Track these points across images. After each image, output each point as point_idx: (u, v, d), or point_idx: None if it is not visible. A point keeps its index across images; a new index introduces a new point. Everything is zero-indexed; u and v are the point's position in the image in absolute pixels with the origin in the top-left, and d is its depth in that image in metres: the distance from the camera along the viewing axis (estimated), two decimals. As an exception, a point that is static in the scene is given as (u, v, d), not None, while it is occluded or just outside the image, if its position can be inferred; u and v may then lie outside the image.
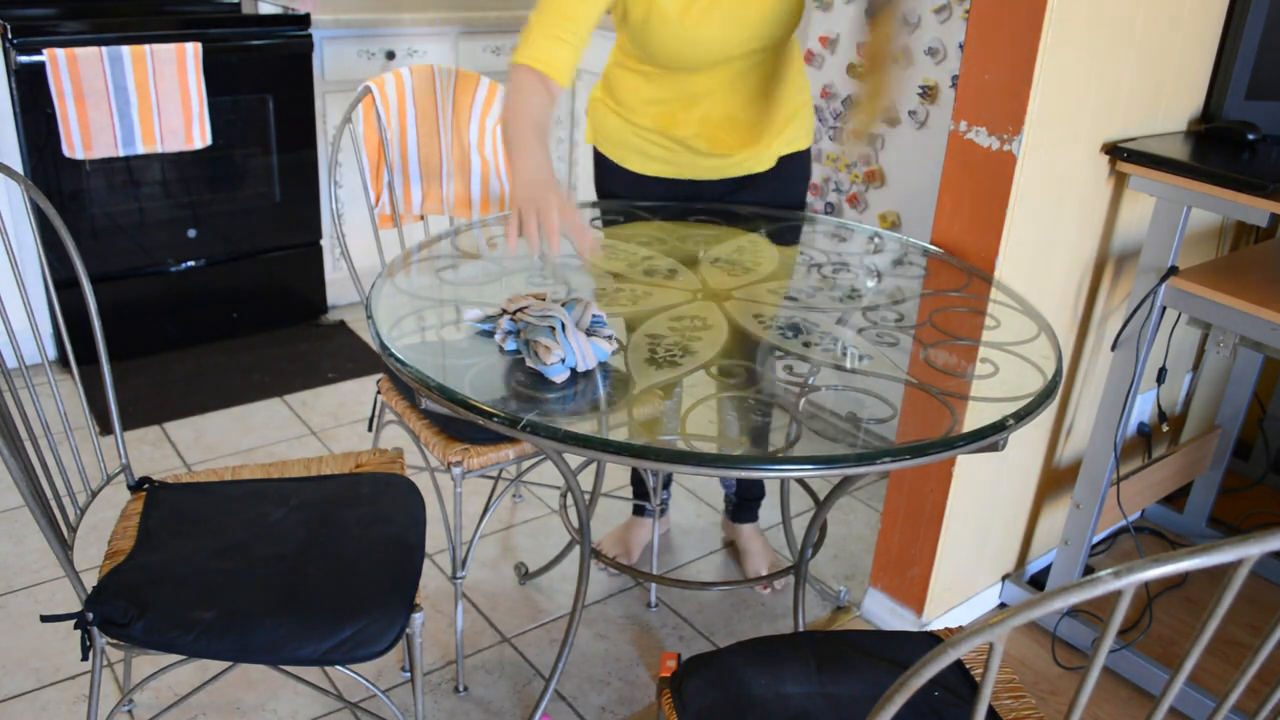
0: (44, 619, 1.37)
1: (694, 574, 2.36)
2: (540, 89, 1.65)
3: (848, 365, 1.47)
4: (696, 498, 2.63)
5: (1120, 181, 2.01)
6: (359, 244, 3.43)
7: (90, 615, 1.35)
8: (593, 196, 2.15)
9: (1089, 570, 2.28)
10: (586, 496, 2.27)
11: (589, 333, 1.40)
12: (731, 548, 2.45)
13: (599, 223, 1.97)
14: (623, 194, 2.06)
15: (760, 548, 2.36)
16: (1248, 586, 2.39)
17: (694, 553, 2.42)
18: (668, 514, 2.48)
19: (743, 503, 2.36)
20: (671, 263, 1.80)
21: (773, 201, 2.04)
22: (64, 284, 2.73)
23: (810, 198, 2.97)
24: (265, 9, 3.20)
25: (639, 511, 2.38)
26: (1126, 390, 1.98)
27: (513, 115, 1.61)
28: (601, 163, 2.06)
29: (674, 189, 2.03)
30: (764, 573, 2.31)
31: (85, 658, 1.36)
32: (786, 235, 1.98)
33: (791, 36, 1.90)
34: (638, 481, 2.36)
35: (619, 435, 1.26)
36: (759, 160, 1.99)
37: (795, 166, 2.04)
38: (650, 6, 1.77)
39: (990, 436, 1.30)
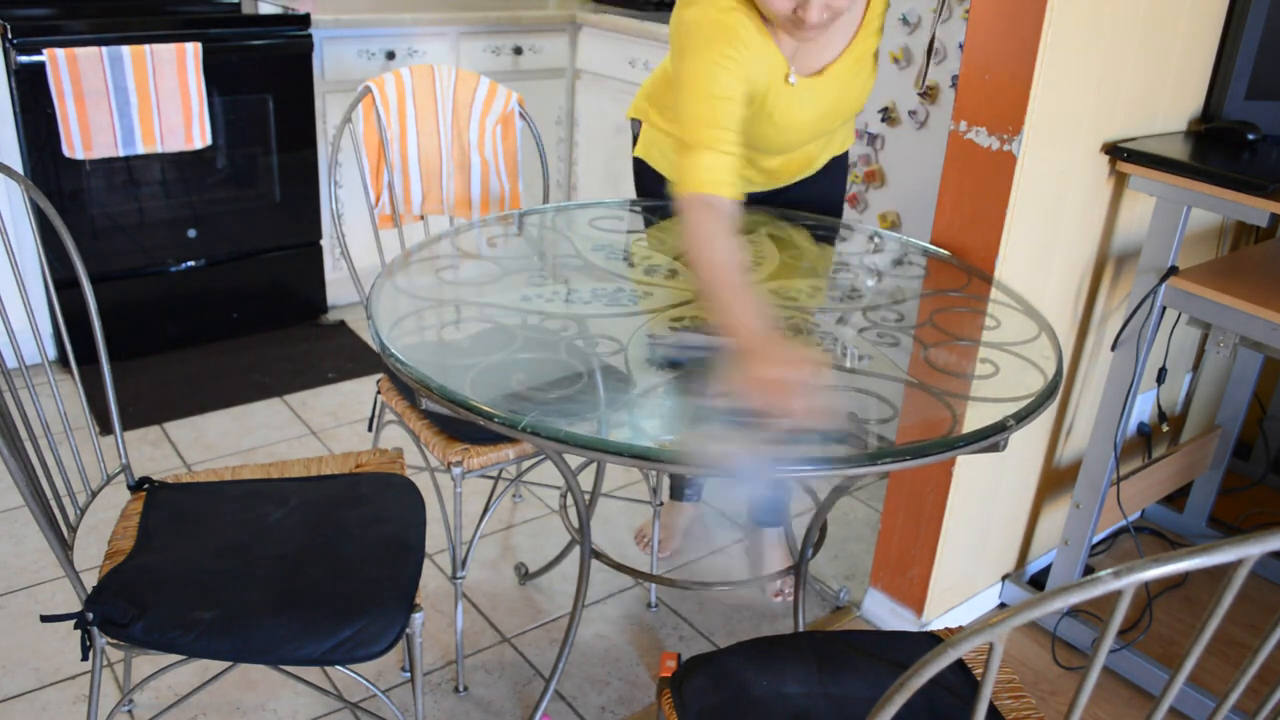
0: (44, 619, 1.37)
1: (694, 574, 2.36)
2: (723, 223, 1.50)
3: (848, 365, 1.47)
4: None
5: (1120, 181, 2.01)
6: (359, 244, 3.43)
7: (90, 615, 1.35)
8: (600, 194, 2.15)
9: (1089, 570, 2.28)
10: (586, 496, 2.27)
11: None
12: (750, 550, 2.45)
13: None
14: (669, 202, 2.03)
15: (780, 556, 2.35)
16: (1248, 586, 2.39)
17: (694, 553, 2.42)
18: (701, 501, 2.50)
19: (764, 506, 2.36)
20: (672, 263, 1.80)
21: (812, 202, 2.04)
22: (64, 284, 2.73)
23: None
24: (265, 9, 3.20)
25: (676, 496, 2.41)
26: (1126, 390, 1.98)
27: (716, 269, 1.43)
28: (651, 173, 2.01)
29: None
30: (777, 582, 2.27)
31: (85, 658, 1.36)
32: (787, 235, 1.98)
33: None
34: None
35: (619, 435, 1.26)
36: (807, 173, 2.00)
37: (835, 169, 2.04)
38: (761, 107, 1.70)
39: (991, 437, 1.30)
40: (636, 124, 2.05)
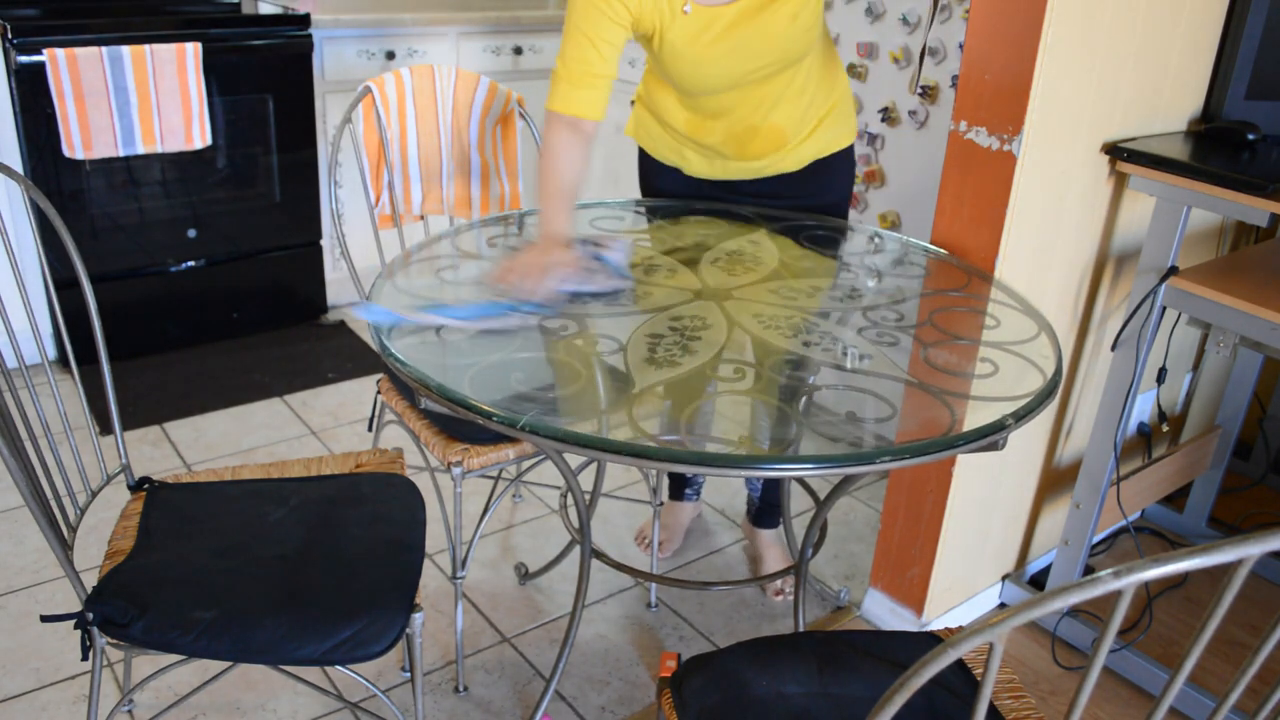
0: (44, 619, 1.37)
1: (694, 574, 2.36)
2: (573, 141, 1.76)
3: (848, 365, 1.47)
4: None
5: (1120, 181, 2.01)
6: (359, 244, 3.43)
7: (90, 615, 1.35)
8: (600, 194, 2.15)
9: (1089, 570, 2.28)
10: (586, 496, 2.26)
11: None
12: (748, 549, 2.45)
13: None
14: (664, 186, 2.09)
15: (779, 555, 2.36)
16: (1248, 586, 2.39)
17: (694, 553, 2.42)
18: (700, 500, 2.50)
19: (765, 507, 2.35)
20: (671, 262, 1.80)
21: (811, 203, 2.04)
22: (64, 284, 2.73)
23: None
24: (265, 9, 3.20)
25: (677, 496, 2.42)
26: (1126, 390, 1.98)
27: (544, 177, 1.75)
28: (644, 157, 2.11)
29: (712, 188, 2.06)
30: (778, 581, 2.30)
31: (85, 658, 1.36)
32: (787, 235, 1.98)
33: (811, 48, 1.87)
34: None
35: (619, 435, 1.26)
36: (789, 161, 1.98)
37: (834, 166, 2.02)
38: (661, 39, 1.79)
39: (990, 436, 1.30)
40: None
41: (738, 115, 1.91)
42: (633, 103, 2.11)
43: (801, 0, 1.76)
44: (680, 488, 2.43)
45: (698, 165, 2.02)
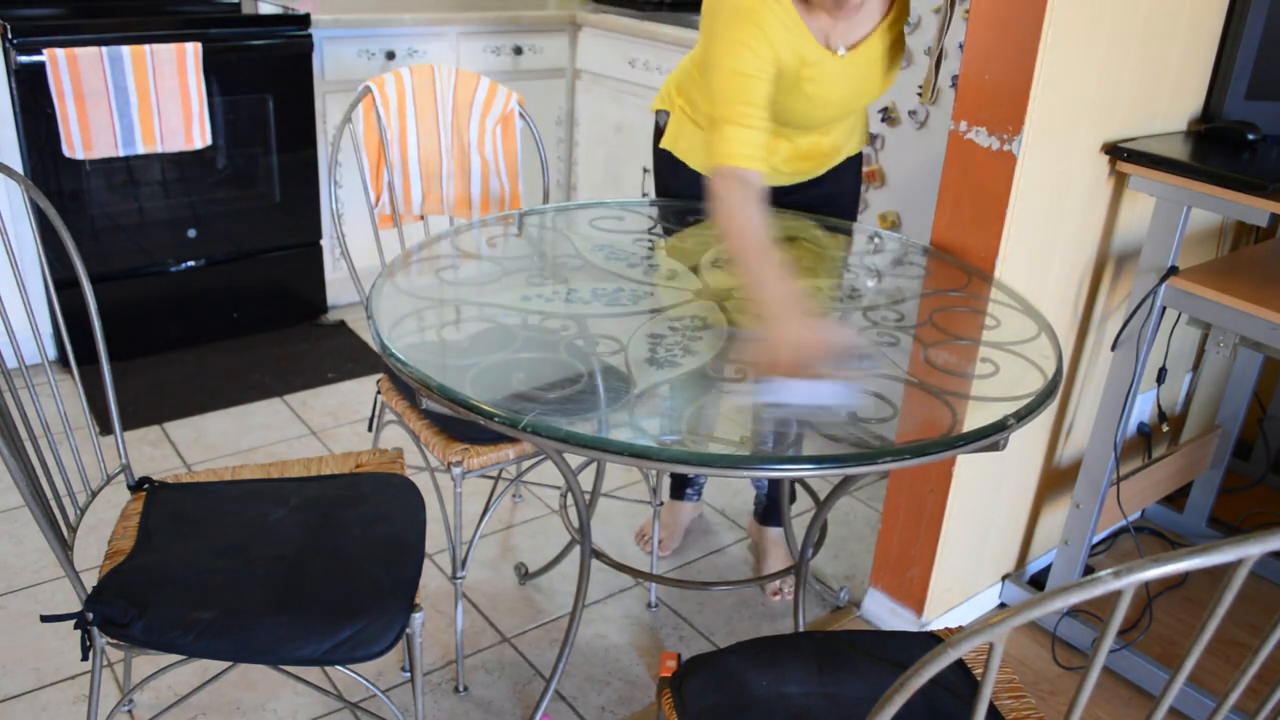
0: (44, 619, 1.37)
1: (694, 574, 2.36)
2: (752, 194, 1.59)
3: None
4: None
5: (1120, 181, 2.01)
6: (359, 244, 3.43)
7: (90, 615, 1.35)
8: (600, 194, 2.15)
9: (1089, 570, 2.28)
10: (586, 496, 2.26)
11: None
12: (752, 547, 2.46)
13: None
14: (690, 194, 2.05)
15: (781, 554, 2.36)
16: (1248, 586, 2.39)
17: (694, 553, 2.42)
18: (700, 500, 2.51)
19: (773, 505, 2.36)
20: (673, 263, 1.80)
21: (826, 203, 2.07)
22: (64, 284, 2.73)
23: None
24: (265, 9, 3.20)
25: (677, 495, 2.42)
26: (1126, 390, 1.98)
27: (747, 240, 1.52)
28: (676, 166, 2.03)
29: None
30: (777, 581, 2.29)
31: (85, 658, 1.36)
32: (786, 235, 1.98)
33: None
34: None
35: (620, 435, 1.26)
36: (826, 169, 2.03)
37: (849, 169, 2.08)
38: (798, 77, 1.74)
39: (991, 436, 1.30)
40: (663, 115, 2.06)
41: (805, 137, 1.93)
42: (659, 111, 2.07)
43: (898, 31, 1.83)
44: (681, 487, 2.43)
45: None
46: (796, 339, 1.37)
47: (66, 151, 2.78)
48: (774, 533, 2.37)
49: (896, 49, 1.84)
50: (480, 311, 1.57)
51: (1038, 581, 2.33)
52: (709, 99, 1.67)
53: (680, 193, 2.08)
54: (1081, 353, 2.16)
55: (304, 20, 3.13)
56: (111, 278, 3.04)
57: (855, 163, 2.09)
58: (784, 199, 2.05)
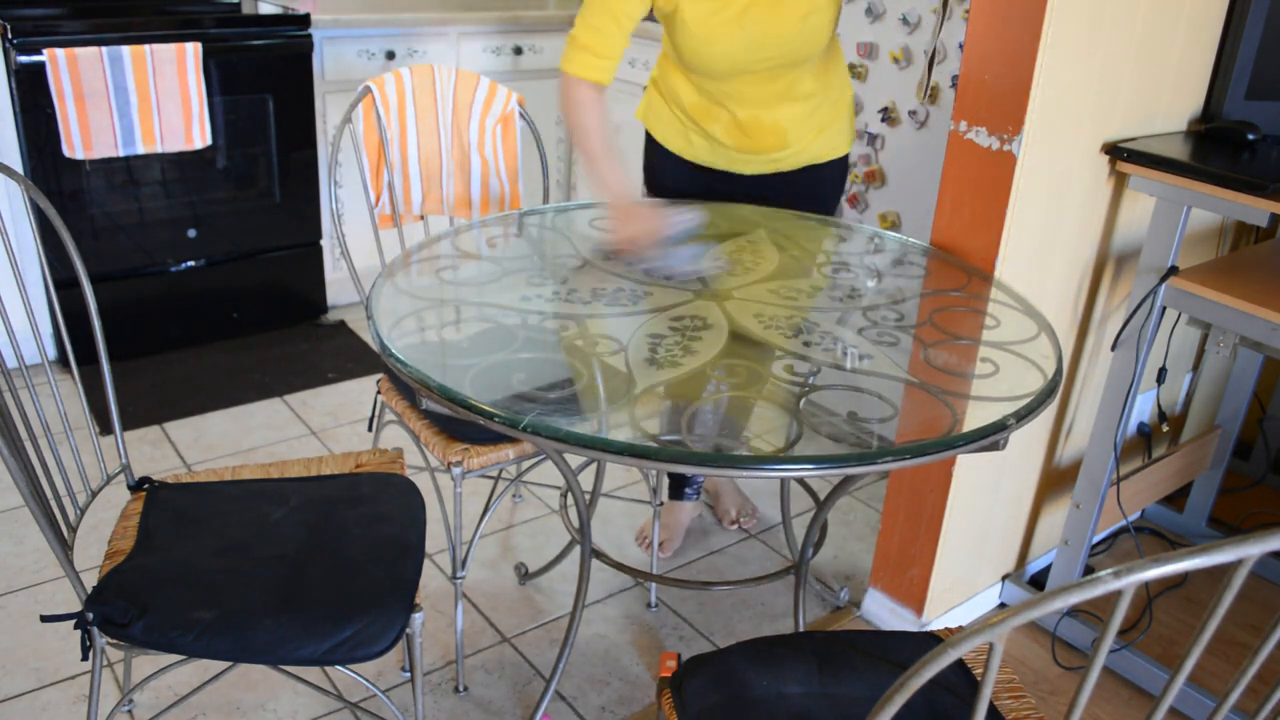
0: (44, 619, 1.37)
1: (694, 574, 2.36)
2: (596, 98, 1.88)
3: (848, 365, 1.47)
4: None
5: (1120, 181, 2.01)
6: (359, 244, 3.43)
7: (90, 615, 1.35)
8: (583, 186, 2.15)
9: (1089, 570, 2.28)
10: (586, 496, 2.26)
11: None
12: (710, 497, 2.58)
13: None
14: (667, 171, 2.14)
15: (731, 488, 2.48)
16: (1248, 586, 2.39)
17: (694, 553, 2.42)
18: (700, 499, 2.52)
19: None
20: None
21: (799, 205, 2.08)
22: (64, 284, 2.73)
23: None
24: (265, 9, 3.20)
25: (677, 495, 2.43)
26: (1126, 390, 1.98)
27: (584, 135, 1.87)
28: (650, 145, 2.17)
29: (712, 177, 2.10)
30: (733, 514, 2.51)
31: (85, 658, 1.36)
32: (786, 235, 1.98)
33: (817, 52, 1.94)
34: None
35: (620, 435, 1.26)
36: (787, 161, 2.05)
37: (826, 173, 2.08)
38: (675, 15, 1.86)
39: (991, 436, 1.30)
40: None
41: (743, 106, 1.96)
42: (644, 89, 2.16)
43: (813, 4, 1.84)
44: (680, 487, 2.43)
45: (701, 150, 2.06)
46: (635, 221, 1.77)
47: (66, 151, 2.78)
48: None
49: (807, 2, 1.84)
50: (480, 312, 1.57)
51: (1038, 581, 2.33)
52: (579, 17, 1.86)
53: (657, 172, 2.14)
54: (1081, 353, 2.16)
55: (304, 20, 3.13)
56: (111, 278, 3.04)
57: (838, 166, 2.09)
58: (764, 197, 2.07)
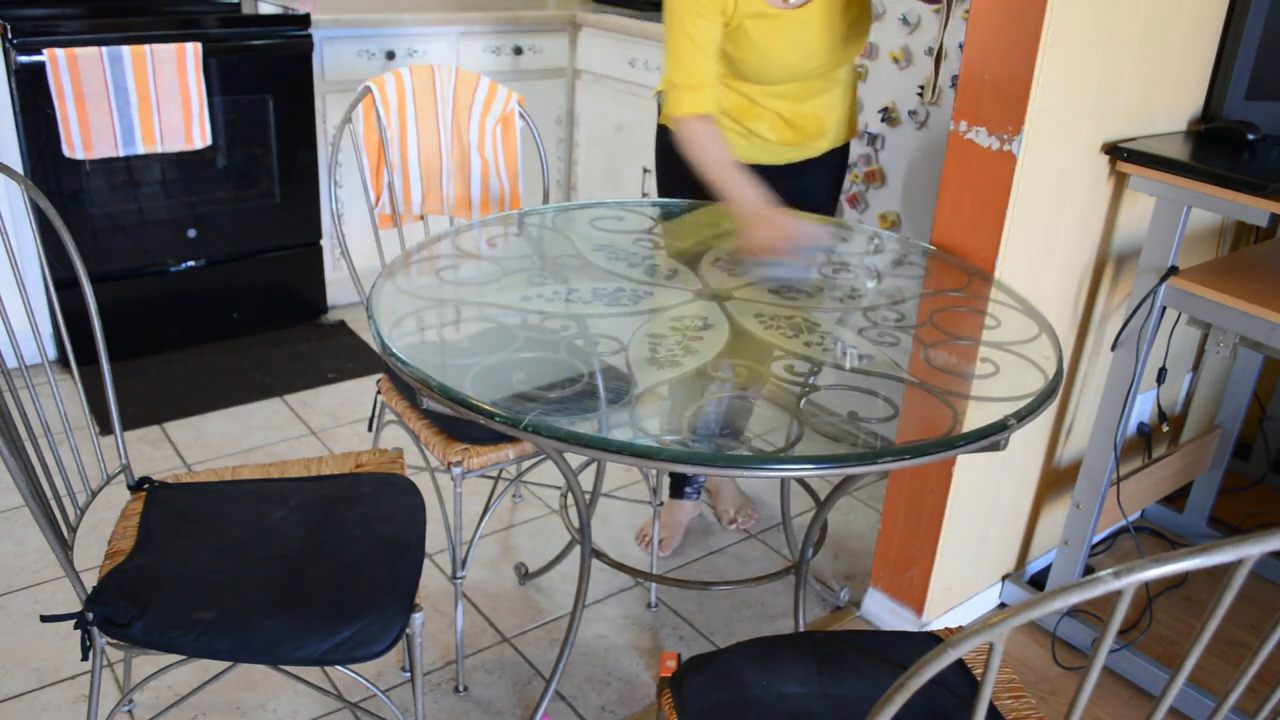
0: (44, 619, 1.37)
1: (694, 574, 2.36)
2: (710, 130, 1.90)
3: (848, 365, 1.47)
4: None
5: (1120, 181, 2.01)
6: (359, 244, 3.43)
7: (90, 615, 1.35)
8: (600, 194, 2.16)
9: (1089, 570, 2.28)
10: (586, 496, 2.26)
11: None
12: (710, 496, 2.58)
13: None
14: (687, 169, 2.10)
15: (731, 488, 2.47)
16: (1248, 586, 2.39)
17: (694, 553, 2.42)
18: (700, 499, 2.53)
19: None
20: (673, 263, 1.80)
21: (817, 188, 2.16)
22: (64, 284, 2.73)
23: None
24: (265, 9, 3.20)
25: (677, 494, 2.44)
26: (1126, 390, 1.98)
27: (710, 167, 1.88)
28: (671, 143, 2.13)
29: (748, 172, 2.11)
30: (732, 514, 2.51)
31: (85, 658, 1.36)
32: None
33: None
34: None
35: (620, 435, 1.26)
36: (822, 145, 2.13)
37: (837, 158, 2.18)
38: (739, 30, 1.91)
39: (991, 436, 1.30)
40: (662, 96, 2.12)
41: (784, 102, 2.03)
42: (659, 93, 2.15)
43: (860, 6, 1.94)
44: (680, 486, 2.44)
45: (741, 148, 2.10)
46: (771, 227, 1.80)
47: (66, 151, 2.78)
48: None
49: (855, 10, 1.94)
50: (480, 311, 1.57)
51: (1038, 581, 2.33)
52: (667, 58, 1.90)
53: (678, 171, 2.12)
54: (1081, 353, 2.16)
55: (304, 20, 3.13)
56: (111, 278, 3.04)
57: (838, 157, 2.17)
58: (780, 181, 2.09)
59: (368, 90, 2.07)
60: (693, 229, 2.00)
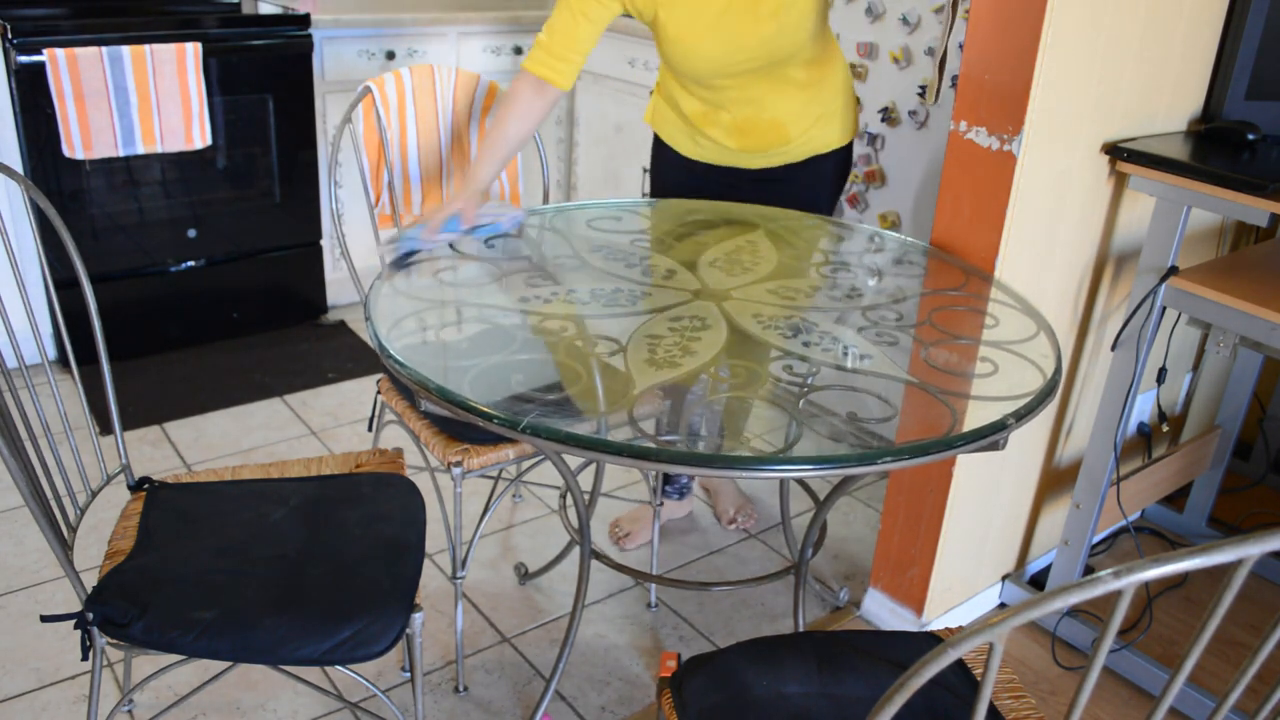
0: (44, 619, 1.37)
1: (694, 574, 2.36)
2: (536, 102, 1.90)
3: (848, 365, 1.47)
4: (694, 497, 2.63)
5: (1120, 181, 2.01)
6: (359, 244, 3.43)
7: (90, 615, 1.35)
8: (600, 194, 2.16)
9: (1089, 570, 2.28)
10: (586, 496, 2.26)
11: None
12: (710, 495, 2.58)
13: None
14: (672, 173, 2.17)
15: (731, 488, 2.46)
16: (1248, 586, 2.39)
17: (694, 553, 2.42)
18: (689, 498, 2.52)
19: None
20: (671, 263, 1.80)
21: (800, 197, 2.10)
22: (64, 284, 2.73)
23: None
24: (265, 9, 3.20)
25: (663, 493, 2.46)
26: (1126, 390, 1.98)
27: (495, 128, 1.90)
28: (658, 146, 2.20)
29: (716, 174, 2.13)
30: (732, 514, 2.51)
31: (85, 658, 1.36)
32: (785, 235, 1.98)
33: (802, 48, 1.94)
34: None
35: (619, 436, 1.26)
36: (793, 153, 2.07)
37: (831, 163, 2.10)
38: (655, 26, 1.90)
39: (991, 436, 1.30)
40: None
41: (735, 107, 1.99)
42: (651, 93, 2.18)
43: (787, 1, 1.85)
44: (663, 484, 2.44)
45: (709, 151, 2.10)
46: (449, 209, 1.83)
47: (66, 151, 2.78)
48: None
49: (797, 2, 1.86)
50: (479, 313, 1.57)
51: (1038, 581, 2.33)
52: (548, 21, 1.89)
53: (664, 174, 2.15)
54: (1081, 353, 2.16)
55: (304, 20, 3.13)
56: (111, 278, 3.04)
57: (840, 156, 2.10)
58: (763, 188, 2.08)
59: (368, 90, 2.07)
60: (668, 216, 2.03)
